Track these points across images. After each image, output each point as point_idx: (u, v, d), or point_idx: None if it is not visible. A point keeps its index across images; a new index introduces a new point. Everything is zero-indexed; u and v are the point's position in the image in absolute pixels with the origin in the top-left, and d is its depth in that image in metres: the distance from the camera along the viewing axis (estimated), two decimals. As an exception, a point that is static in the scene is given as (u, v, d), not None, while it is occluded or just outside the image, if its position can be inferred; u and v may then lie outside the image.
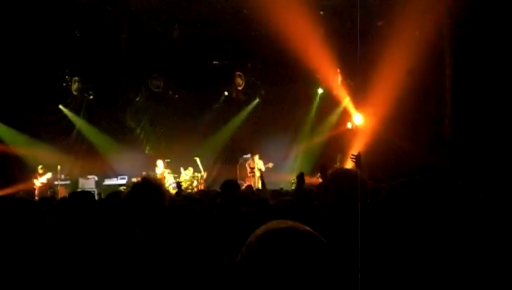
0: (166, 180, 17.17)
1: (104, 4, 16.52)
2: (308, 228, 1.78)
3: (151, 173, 18.00)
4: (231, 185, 6.97)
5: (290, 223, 1.80)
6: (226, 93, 19.94)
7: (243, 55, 18.95)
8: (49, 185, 17.89)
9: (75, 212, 5.21)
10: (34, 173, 17.88)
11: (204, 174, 17.86)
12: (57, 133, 19.29)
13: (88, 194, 5.90)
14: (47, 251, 4.28)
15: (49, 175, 17.80)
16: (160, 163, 17.77)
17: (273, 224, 1.81)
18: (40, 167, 17.83)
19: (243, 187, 12.14)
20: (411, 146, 14.44)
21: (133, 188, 3.96)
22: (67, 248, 4.24)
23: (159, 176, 17.11)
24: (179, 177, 17.59)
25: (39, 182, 17.68)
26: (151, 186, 3.99)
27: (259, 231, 1.80)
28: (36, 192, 17.43)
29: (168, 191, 12.95)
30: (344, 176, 3.73)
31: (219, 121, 19.85)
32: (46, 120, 19.28)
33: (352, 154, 7.12)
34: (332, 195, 3.64)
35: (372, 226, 3.31)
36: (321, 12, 16.47)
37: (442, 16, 13.91)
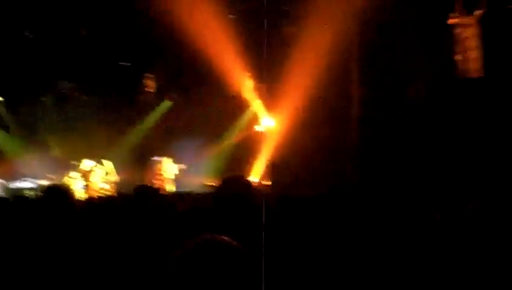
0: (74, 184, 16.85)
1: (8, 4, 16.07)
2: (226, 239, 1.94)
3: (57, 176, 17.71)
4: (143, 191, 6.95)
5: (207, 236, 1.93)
6: (135, 95, 19.71)
7: (153, 56, 18.82)
8: None
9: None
10: None
11: (117, 178, 17.65)
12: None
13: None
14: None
15: None
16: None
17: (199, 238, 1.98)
18: None
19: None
20: (319, 152, 14.77)
21: (44, 193, 3.94)
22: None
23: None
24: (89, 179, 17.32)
25: None
26: (60, 192, 3.97)
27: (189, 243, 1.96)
28: None
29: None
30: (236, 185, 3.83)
31: (129, 124, 19.62)
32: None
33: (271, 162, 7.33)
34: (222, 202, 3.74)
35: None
36: (232, 16, 16.57)
37: (352, 19, 14.27)
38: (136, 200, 6.91)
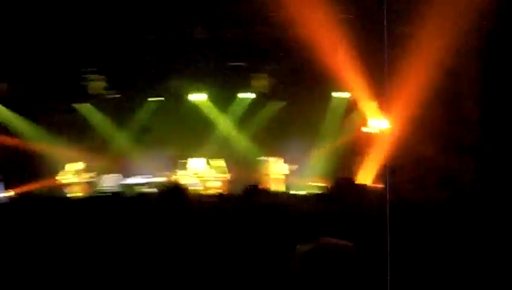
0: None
1: (126, 4, 16.54)
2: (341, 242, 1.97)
3: (171, 173, 18.14)
4: (254, 191, 6.98)
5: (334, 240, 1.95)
6: (248, 94, 19.83)
7: (264, 57, 18.90)
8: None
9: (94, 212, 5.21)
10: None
11: (228, 176, 17.85)
12: (79, 132, 19.41)
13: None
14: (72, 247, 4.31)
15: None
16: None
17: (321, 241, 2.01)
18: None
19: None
20: (437, 154, 14.35)
21: (163, 192, 3.95)
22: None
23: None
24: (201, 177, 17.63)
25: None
26: (179, 191, 3.96)
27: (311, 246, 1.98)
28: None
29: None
30: (349, 187, 3.71)
31: (241, 123, 19.79)
32: (68, 119, 19.42)
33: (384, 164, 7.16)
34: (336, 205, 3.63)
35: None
36: (344, 16, 16.37)
37: (470, 22, 13.78)
38: (245, 199, 6.97)
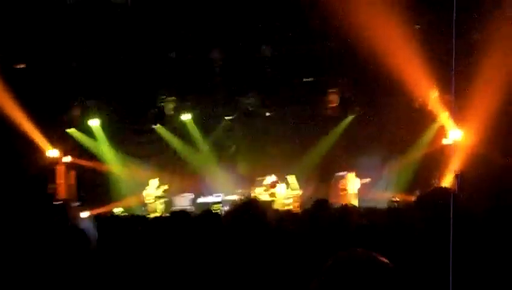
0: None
1: (196, 25, 16.78)
2: (382, 259, 1.90)
3: (245, 191, 18.15)
4: (321, 205, 6.91)
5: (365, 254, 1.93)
6: (320, 110, 19.71)
7: (336, 71, 18.79)
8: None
9: (170, 231, 5.21)
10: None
11: (300, 192, 17.72)
12: (153, 152, 19.75)
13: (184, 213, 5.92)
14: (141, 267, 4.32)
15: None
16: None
17: (347, 254, 1.94)
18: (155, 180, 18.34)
19: (335, 206, 11.98)
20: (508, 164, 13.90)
21: (236, 209, 3.86)
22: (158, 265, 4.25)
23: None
24: (274, 194, 17.56)
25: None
26: (255, 209, 3.86)
27: (337, 258, 1.94)
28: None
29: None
30: (438, 198, 3.53)
31: (313, 139, 19.66)
32: (143, 139, 19.84)
33: (456, 172, 6.91)
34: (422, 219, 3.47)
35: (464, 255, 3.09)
36: (417, 26, 16.12)
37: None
38: (313, 215, 6.88)
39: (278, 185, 17.71)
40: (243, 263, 3.47)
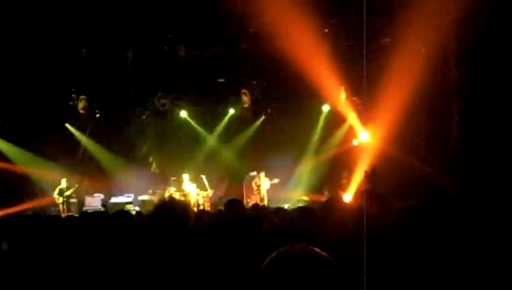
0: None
1: (111, 23, 16.57)
2: (318, 251, 1.90)
3: (157, 191, 18.06)
4: (234, 204, 6.99)
5: (301, 247, 1.91)
6: (231, 110, 19.84)
7: (248, 72, 18.95)
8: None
9: (85, 231, 5.18)
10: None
11: (210, 193, 17.73)
12: (63, 152, 19.33)
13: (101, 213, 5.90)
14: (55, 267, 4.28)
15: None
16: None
17: (286, 248, 1.92)
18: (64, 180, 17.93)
19: (249, 205, 12.12)
20: (418, 165, 14.39)
21: (159, 206, 3.86)
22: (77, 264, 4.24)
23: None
24: (185, 194, 17.51)
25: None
26: (177, 206, 3.87)
27: (274, 254, 1.90)
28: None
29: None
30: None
31: (225, 139, 19.77)
32: (52, 139, 19.36)
33: (366, 171, 7.14)
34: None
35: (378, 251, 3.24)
36: (326, 30, 16.48)
37: (447, 31, 13.87)
38: (226, 214, 6.96)
39: (189, 184, 17.63)
40: (163, 263, 3.51)
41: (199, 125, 19.80)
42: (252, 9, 14.19)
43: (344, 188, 16.59)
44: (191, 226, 3.87)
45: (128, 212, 5.68)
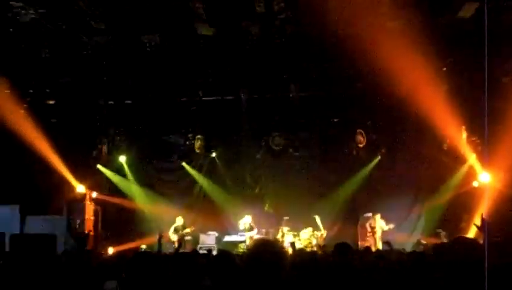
0: (285, 239, 16.99)
1: (225, 65, 16.92)
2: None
3: (270, 230, 18.03)
4: (344, 249, 6.82)
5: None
6: (346, 150, 19.59)
7: (364, 112, 18.75)
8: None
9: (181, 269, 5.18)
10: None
11: (324, 233, 17.48)
12: (179, 190, 19.82)
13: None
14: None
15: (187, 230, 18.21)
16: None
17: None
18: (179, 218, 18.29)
19: (362, 248, 11.85)
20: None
21: (251, 253, 3.76)
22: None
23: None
24: (298, 234, 17.38)
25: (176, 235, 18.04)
26: (269, 253, 3.74)
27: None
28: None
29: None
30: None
31: (339, 179, 19.50)
32: (169, 177, 19.94)
33: (475, 224, 6.74)
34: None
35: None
36: (444, 69, 16.04)
37: None
38: (336, 258, 6.77)
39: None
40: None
41: (313, 165, 19.66)
42: (368, 48, 14.03)
43: (464, 231, 15.90)
44: (283, 276, 3.70)
45: (229, 255, 5.66)
